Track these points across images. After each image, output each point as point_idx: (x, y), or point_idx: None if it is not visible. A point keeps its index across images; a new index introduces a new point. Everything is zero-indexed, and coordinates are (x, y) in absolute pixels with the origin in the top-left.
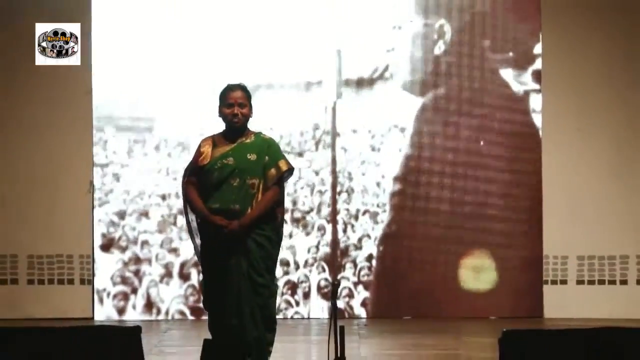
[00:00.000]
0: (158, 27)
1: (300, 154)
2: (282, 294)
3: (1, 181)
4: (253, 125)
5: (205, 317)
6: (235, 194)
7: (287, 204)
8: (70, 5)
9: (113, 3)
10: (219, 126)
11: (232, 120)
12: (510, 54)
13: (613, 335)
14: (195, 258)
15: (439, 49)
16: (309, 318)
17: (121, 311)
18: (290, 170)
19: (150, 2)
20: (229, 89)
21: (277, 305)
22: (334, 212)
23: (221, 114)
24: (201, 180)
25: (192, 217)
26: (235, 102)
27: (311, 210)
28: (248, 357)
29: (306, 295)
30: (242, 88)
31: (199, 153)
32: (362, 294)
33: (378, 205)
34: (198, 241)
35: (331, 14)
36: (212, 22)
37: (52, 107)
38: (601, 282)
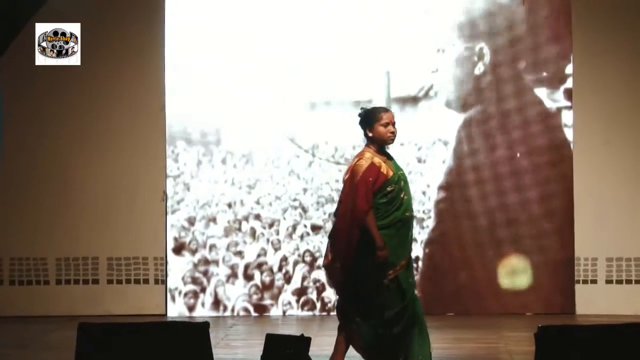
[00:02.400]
0: (224, 51)
1: None
2: None
3: (84, 191)
4: (314, 138)
5: (267, 314)
6: (411, 203)
7: None
8: (142, 28)
9: (184, 27)
10: (275, 141)
11: (390, 138)
12: (544, 73)
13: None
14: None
15: (479, 70)
16: None
17: (191, 308)
18: None
19: (217, 27)
20: (384, 111)
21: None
22: None
23: (376, 132)
24: (386, 193)
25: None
26: (390, 122)
27: None
28: None
29: None
30: (390, 110)
31: (376, 169)
32: None
33: (424, 212)
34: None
35: (381, 40)
36: (273, 47)
37: (131, 123)
38: (628, 281)
